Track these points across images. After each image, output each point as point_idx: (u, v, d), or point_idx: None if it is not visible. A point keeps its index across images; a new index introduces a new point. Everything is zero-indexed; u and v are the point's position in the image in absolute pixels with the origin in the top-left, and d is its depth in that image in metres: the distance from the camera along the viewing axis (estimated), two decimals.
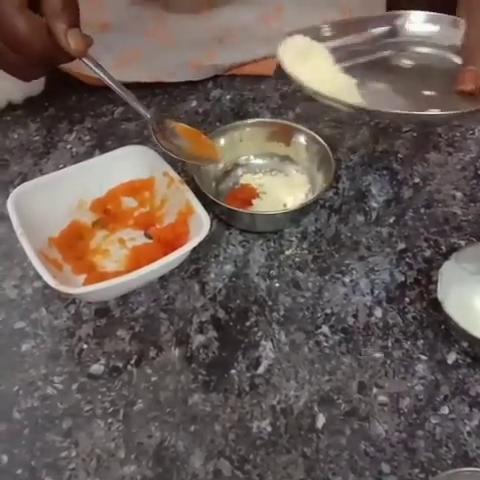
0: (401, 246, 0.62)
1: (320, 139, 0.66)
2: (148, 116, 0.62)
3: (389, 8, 0.86)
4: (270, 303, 0.58)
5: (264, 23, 0.81)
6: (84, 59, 0.60)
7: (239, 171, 0.69)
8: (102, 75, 0.61)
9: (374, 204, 0.67)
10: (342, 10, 0.85)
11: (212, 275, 0.60)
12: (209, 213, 0.57)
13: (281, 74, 0.66)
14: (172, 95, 0.80)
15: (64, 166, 0.65)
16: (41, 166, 0.71)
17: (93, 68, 0.60)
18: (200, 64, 0.81)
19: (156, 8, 0.86)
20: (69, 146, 0.74)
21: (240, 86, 0.82)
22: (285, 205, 0.65)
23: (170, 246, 0.57)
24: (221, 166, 0.68)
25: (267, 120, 0.71)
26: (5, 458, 0.48)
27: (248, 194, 0.65)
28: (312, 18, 0.77)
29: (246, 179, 0.68)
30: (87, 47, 0.59)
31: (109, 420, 0.50)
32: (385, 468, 0.47)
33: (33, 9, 0.58)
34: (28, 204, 0.58)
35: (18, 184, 0.60)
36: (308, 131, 0.67)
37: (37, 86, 0.78)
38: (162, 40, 0.83)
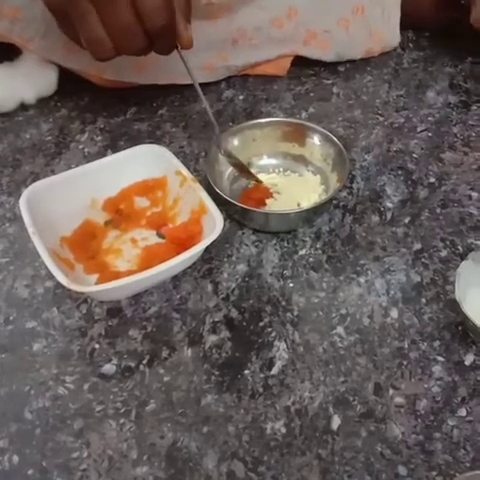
0: (417, 246, 0.62)
1: (334, 139, 0.66)
2: (217, 130, 0.64)
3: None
4: (284, 303, 0.57)
5: (277, 25, 0.81)
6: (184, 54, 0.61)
7: (253, 170, 0.68)
8: (192, 75, 0.62)
9: (389, 204, 0.66)
10: (354, 10, 0.84)
11: (225, 275, 0.59)
12: (222, 212, 0.56)
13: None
14: (184, 95, 0.80)
15: (76, 166, 0.65)
16: (53, 166, 0.71)
17: (186, 65, 0.62)
18: (213, 65, 0.80)
19: None
20: (81, 146, 0.74)
21: (253, 86, 0.82)
22: (299, 205, 0.64)
23: (183, 246, 0.56)
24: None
25: (281, 119, 0.71)
26: (16, 458, 0.47)
27: (262, 193, 0.65)
28: (325, 20, 0.77)
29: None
30: None
31: (121, 420, 0.49)
32: (402, 471, 0.46)
33: None
34: (40, 204, 0.58)
35: (30, 184, 0.59)
36: (322, 130, 0.67)
37: (49, 86, 0.78)
38: None
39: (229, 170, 0.67)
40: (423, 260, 0.60)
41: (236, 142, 0.68)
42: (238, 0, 0.78)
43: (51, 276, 0.51)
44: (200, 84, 0.80)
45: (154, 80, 0.78)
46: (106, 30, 0.54)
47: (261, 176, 0.67)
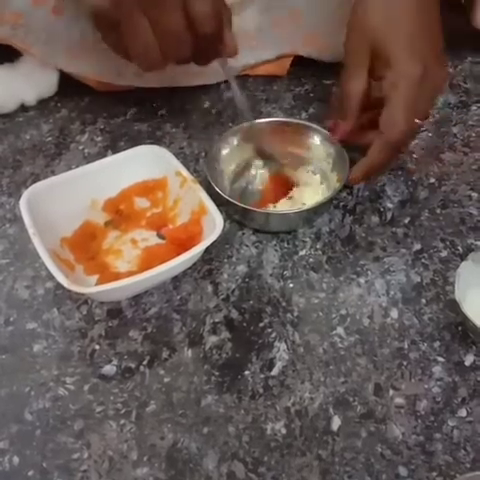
0: (417, 247, 0.62)
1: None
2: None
3: None
4: (284, 304, 0.57)
5: (279, 26, 0.81)
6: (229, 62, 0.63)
7: (252, 171, 0.68)
8: (233, 79, 0.64)
9: (389, 205, 0.66)
10: None
11: (225, 276, 0.59)
12: (222, 213, 0.57)
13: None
14: (185, 95, 0.80)
15: (76, 167, 0.65)
16: (53, 167, 0.71)
17: (230, 73, 0.64)
18: (214, 67, 0.80)
19: None
20: (81, 147, 0.74)
21: (253, 87, 0.82)
22: (304, 204, 0.64)
23: (183, 246, 0.56)
24: (234, 165, 0.67)
25: (281, 119, 0.71)
26: (16, 459, 0.47)
27: (286, 184, 0.65)
28: (326, 23, 0.76)
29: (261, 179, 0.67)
30: None
31: (121, 421, 0.49)
32: (402, 471, 0.46)
33: None
34: (40, 204, 0.58)
35: (30, 185, 0.59)
36: (323, 131, 0.67)
37: (50, 88, 0.78)
38: None
39: (229, 170, 0.67)
40: (423, 260, 0.60)
41: (236, 142, 0.67)
42: (239, 3, 0.78)
43: (51, 277, 0.52)
44: (200, 86, 0.80)
45: (158, 83, 0.77)
46: (156, 38, 0.55)
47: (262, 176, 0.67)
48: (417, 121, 0.60)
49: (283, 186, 0.66)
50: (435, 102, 0.65)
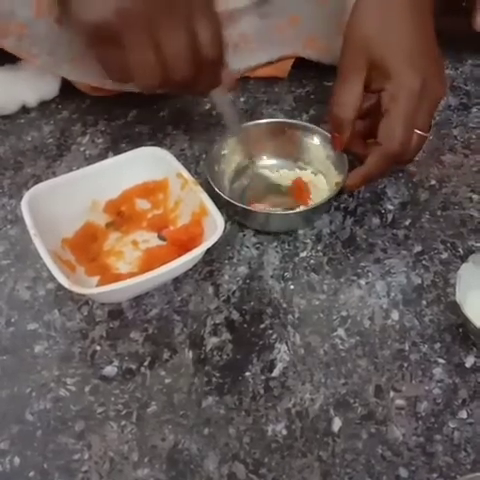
0: (417, 248, 0.62)
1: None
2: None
3: None
4: (285, 305, 0.57)
5: (279, 30, 0.81)
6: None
7: (253, 172, 0.68)
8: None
9: (390, 206, 0.66)
10: None
11: (226, 277, 0.59)
12: (223, 214, 0.57)
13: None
14: (186, 98, 0.80)
15: (77, 168, 0.65)
16: (54, 168, 0.71)
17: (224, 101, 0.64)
18: None
19: None
20: (82, 149, 0.74)
21: (254, 88, 0.82)
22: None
23: (184, 248, 0.56)
24: (234, 166, 0.68)
25: (281, 120, 0.71)
26: (17, 460, 0.47)
27: (300, 189, 0.66)
28: (328, 25, 0.77)
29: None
30: None
31: (122, 422, 0.49)
32: (402, 473, 0.46)
33: None
34: (42, 206, 0.58)
35: (32, 186, 0.59)
36: (322, 132, 0.67)
37: (51, 90, 0.78)
38: None
39: (229, 171, 0.67)
40: (424, 262, 0.60)
41: (237, 142, 0.68)
42: (240, 9, 0.78)
43: (52, 278, 0.52)
44: None
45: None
46: (159, 56, 0.53)
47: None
48: (420, 132, 0.60)
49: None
50: (434, 115, 0.64)
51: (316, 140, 0.67)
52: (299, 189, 0.65)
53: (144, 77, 0.55)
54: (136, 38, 0.52)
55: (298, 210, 0.62)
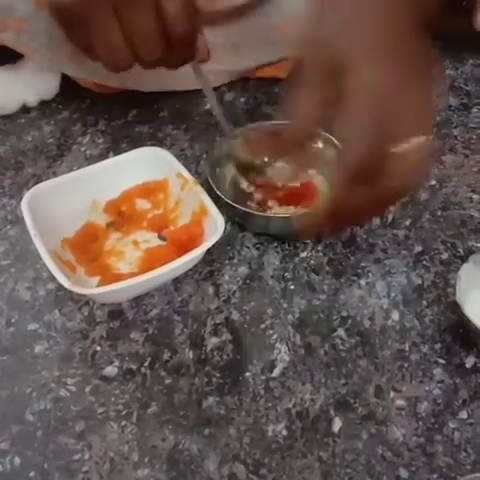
0: (418, 249, 0.62)
1: (336, 141, 0.65)
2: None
3: None
4: (285, 306, 0.57)
5: (280, 30, 0.81)
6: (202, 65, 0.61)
7: (254, 174, 0.68)
8: (206, 84, 0.63)
9: (390, 207, 0.66)
10: None
11: (226, 277, 0.59)
12: (223, 215, 0.57)
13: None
14: (186, 98, 0.80)
15: (78, 168, 0.65)
16: (55, 168, 0.71)
17: (203, 75, 0.62)
18: (214, 70, 0.80)
19: None
20: (83, 148, 0.74)
21: (254, 89, 0.82)
22: None
23: (184, 248, 0.56)
24: (235, 168, 0.67)
25: (282, 123, 0.71)
26: (18, 460, 0.47)
27: (310, 192, 0.65)
28: None
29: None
30: None
31: (122, 423, 0.49)
32: (403, 473, 0.46)
33: None
34: (42, 206, 0.58)
35: (32, 186, 0.60)
36: (324, 134, 0.66)
37: (51, 89, 0.78)
38: None
39: (231, 173, 0.67)
40: (424, 262, 0.60)
41: (237, 144, 0.67)
42: (239, 9, 0.78)
43: (53, 278, 0.52)
44: (201, 89, 0.80)
45: (158, 87, 0.77)
46: (126, 38, 0.53)
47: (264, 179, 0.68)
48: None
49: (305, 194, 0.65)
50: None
51: (319, 143, 0.67)
52: (309, 192, 0.65)
53: (111, 58, 0.55)
54: (100, 17, 0.52)
55: (299, 214, 0.62)
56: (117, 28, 0.53)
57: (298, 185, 0.66)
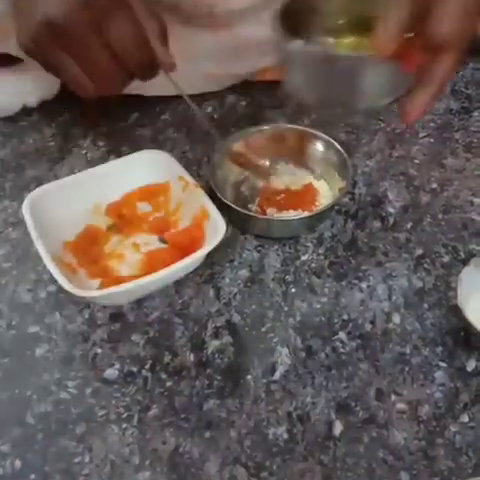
0: (419, 252, 0.62)
1: (337, 145, 0.66)
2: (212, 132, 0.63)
3: None
4: (286, 308, 0.57)
5: None
6: (170, 74, 0.60)
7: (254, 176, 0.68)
8: (182, 91, 0.62)
9: (391, 210, 0.66)
10: None
11: (227, 280, 0.59)
12: (224, 218, 0.57)
13: None
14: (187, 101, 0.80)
15: (79, 171, 0.65)
16: (56, 171, 0.71)
17: (175, 83, 0.61)
18: (216, 74, 0.81)
19: (173, 23, 0.85)
20: (84, 151, 0.74)
21: (256, 92, 0.82)
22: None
23: (185, 251, 0.56)
24: (236, 171, 0.67)
25: (283, 126, 0.71)
26: (18, 463, 0.47)
27: (310, 195, 0.65)
28: None
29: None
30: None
31: (123, 425, 0.49)
32: (404, 477, 0.46)
33: None
34: (43, 208, 0.58)
35: (33, 189, 0.60)
36: (325, 137, 0.67)
37: (52, 90, 0.77)
38: (178, 53, 0.82)
39: (231, 175, 0.67)
40: (425, 266, 0.60)
41: (239, 148, 0.68)
42: (239, 13, 0.78)
43: (54, 281, 0.52)
44: (204, 93, 0.80)
45: (159, 92, 0.77)
46: (85, 74, 0.55)
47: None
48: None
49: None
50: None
51: (319, 145, 0.67)
52: (309, 194, 0.65)
53: (80, 93, 0.58)
54: (59, 64, 0.56)
55: (300, 216, 0.62)
56: (74, 66, 0.55)
57: (299, 188, 0.66)
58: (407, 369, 0.52)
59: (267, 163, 0.66)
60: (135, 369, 0.53)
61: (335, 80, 0.51)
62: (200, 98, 0.80)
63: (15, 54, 0.70)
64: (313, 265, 0.61)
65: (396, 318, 0.56)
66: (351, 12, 0.58)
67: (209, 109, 0.79)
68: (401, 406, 0.50)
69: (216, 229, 0.55)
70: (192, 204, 0.60)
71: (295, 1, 0.55)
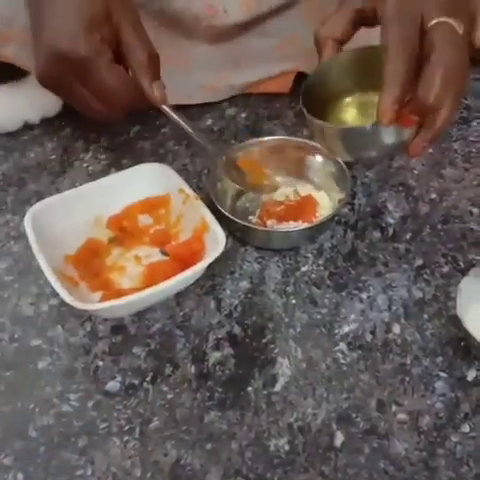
0: (418, 262, 0.62)
1: (337, 157, 0.66)
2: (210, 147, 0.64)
3: None
4: (286, 320, 0.57)
5: (279, 49, 0.81)
6: (163, 106, 0.63)
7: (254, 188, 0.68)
8: (179, 120, 0.64)
9: (390, 220, 0.66)
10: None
11: (228, 292, 0.60)
12: (224, 230, 0.57)
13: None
14: (187, 113, 0.80)
15: (80, 184, 0.65)
16: (57, 184, 0.72)
17: (171, 113, 0.63)
18: (215, 85, 0.81)
19: (172, 35, 0.86)
20: (85, 165, 0.74)
21: (255, 104, 0.83)
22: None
23: (186, 263, 0.57)
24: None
25: (282, 138, 0.71)
26: (21, 476, 0.48)
27: (310, 206, 0.65)
28: None
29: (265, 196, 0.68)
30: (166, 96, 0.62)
31: (125, 438, 0.50)
32: None
33: (118, 62, 0.61)
34: (45, 222, 0.58)
35: (35, 202, 0.60)
36: (324, 148, 0.67)
37: (54, 107, 0.78)
38: (178, 64, 0.83)
39: (232, 188, 0.67)
40: (425, 276, 0.61)
41: (239, 164, 0.68)
42: (239, 27, 0.79)
43: (55, 294, 0.52)
44: (202, 103, 0.81)
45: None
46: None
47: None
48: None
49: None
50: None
51: (318, 157, 0.68)
52: (309, 206, 0.65)
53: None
54: (65, 90, 0.63)
55: (300, 228, 0.62)
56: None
57: (299, 199, 0.67)
58: (407, 379, 0.53)
59: (265, 182, 0.66)
60: (136, 381, 0.53)
61: (357, 145, 0.60)
62: (200, 110, 0.80)
63: (12, 60, 0.71)
64: (313, 276, 0.61)
65: (396, 328, 0.56)
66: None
67: (209, 122, 0.79)
68: (402, 416, 0.50)
69: (216, 241, 0.56)
70: (193, 216, 0.61)
71: (313, 84, 0.64)
